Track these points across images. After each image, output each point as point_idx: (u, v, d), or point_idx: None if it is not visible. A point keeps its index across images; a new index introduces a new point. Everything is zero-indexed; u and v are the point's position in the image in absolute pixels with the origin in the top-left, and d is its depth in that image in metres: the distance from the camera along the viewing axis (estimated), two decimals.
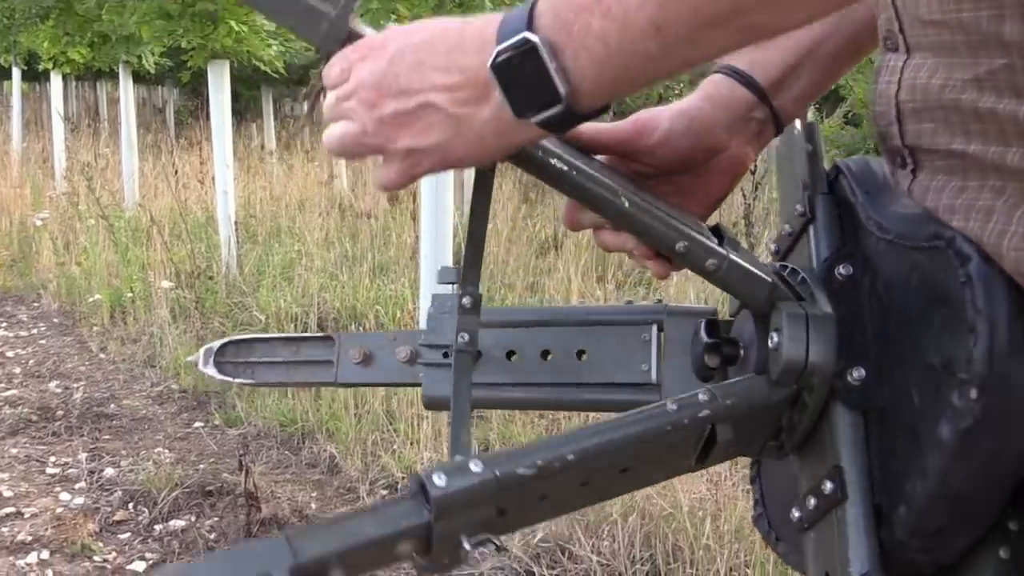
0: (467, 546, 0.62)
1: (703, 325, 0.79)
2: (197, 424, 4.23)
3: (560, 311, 0.87)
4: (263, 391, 4.31)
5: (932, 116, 0.66)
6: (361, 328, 4.83)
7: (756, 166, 4.89)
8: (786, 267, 0.77)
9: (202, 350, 0.87)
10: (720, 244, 0.74)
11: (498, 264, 6.03)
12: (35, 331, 5.74)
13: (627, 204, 0.71)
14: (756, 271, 0.73)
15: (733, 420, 0.70)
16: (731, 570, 2.75)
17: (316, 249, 6.32)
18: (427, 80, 0.66)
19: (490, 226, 6.21)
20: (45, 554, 3.12)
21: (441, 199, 4.60)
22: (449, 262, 4.67)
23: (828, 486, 0.70)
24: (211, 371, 0.87)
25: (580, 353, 0.83)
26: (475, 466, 0.62)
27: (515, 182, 8.49)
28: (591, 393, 0.83)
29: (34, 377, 4.89)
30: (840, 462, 0.69)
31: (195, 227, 6.96)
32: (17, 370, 4.99)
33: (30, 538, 3.21)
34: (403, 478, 3.55)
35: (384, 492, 3.52)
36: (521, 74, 0.63)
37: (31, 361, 5.14)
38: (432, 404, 0.84)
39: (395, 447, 3.72)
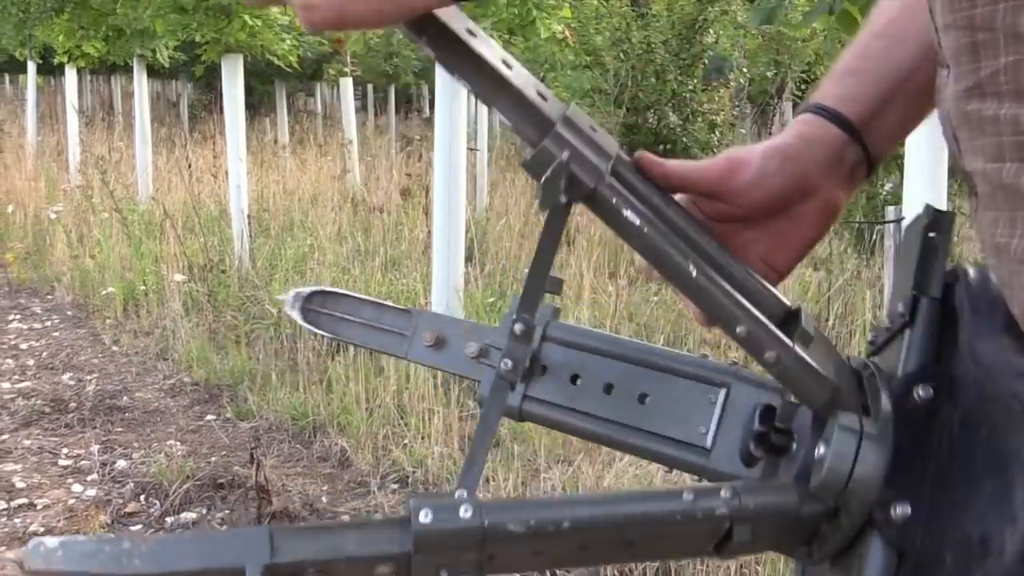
0: None
1: (759, 409, 0.74)
2: (209, 417, 4.24)
3: (633, 345, 0.83)
4: (274, 384, 4.32)
5: (962, 133, 0.62)
6: None
7: None
8: (869, 367, 0.72)
9: (291, 292, 0.86)
10: (792, 330, 0.69)
11: (510, 259, 6.03)
12: (49, 323, 5.77)
13: (695, 273, 0.67)
14: (820, 371, 0.68)
15: (754, 523, 0.66)
16: (742, 566, 2.75)
17: (328, 243, 6.33)
18: None
19: (502, 221, 6.21)
20: None
21: (454, 194, 4.60)
22: (461, 258, 4.67)
23: None
24: (296, 315, 0.86)
25: (643, 396, 0.80)
26: (465, 511, 0.60)
27: (527, 178, 8.48)
28: (643, 440, 0.80)
29: (47, 369, 4.91)
30: None
31: (208, 221, 6.98)
32: (31, 362, 5.02)
33: (42, 529, 3.23)
34: (414, 472, 3.55)
35: (395, 486, 3.52)
36: None
37: (44, 353, 5.16)
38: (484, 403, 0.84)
39: (406, 441, 3.72)
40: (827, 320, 4.68)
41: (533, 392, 0.81)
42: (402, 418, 3.87)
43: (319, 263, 5.88)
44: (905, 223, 0.79)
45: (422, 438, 3.73)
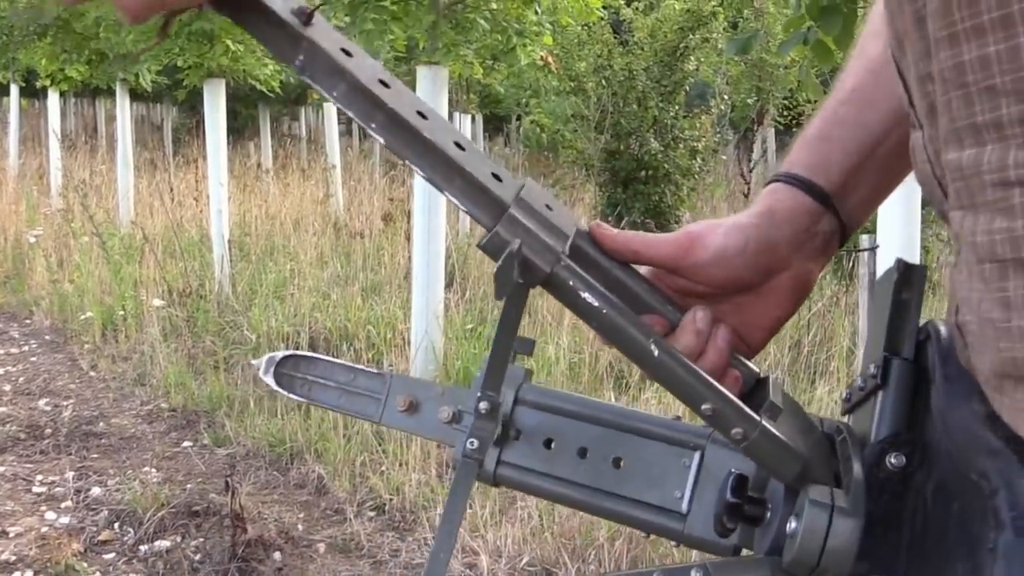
0: None
1: (732, 479, 0.73)
2: (186, 444, 4.21)
3: (606, 408, 0.83)
4: (252, 410, 4.30)
5: (948, 187, 0.60)
6: (352, 349, 4.83)
7: (750, 189, 4.90)
8: (842, 432, 0.72)
9: (265, 358, 0.86)
10: (759, 403, 0.69)
11: (491, 285, 6.01)
12: (26, 348, 5.73)
13: (656, 352, 0.67)
14: (788, 445, 0.68)
15: None
16: None
17: (309, 268, 6.32)
18: None
19: None
20: (29, 574, 3.10)
21: (434, 220, 4.60)
22: (441, 284, 4.67)
23: None
24: (270, 380, 0.86)
25: (617, 460, 0.80)
26: None
27: None
28: (618, 505, 0.79)
29: (24, 395, 4.87)
30: None
31: (189, 245, 6.96)
32: (7, 387, 4.98)
33: (14, 558, 3.19)
34: (391, 499, 3.53)
35: (372, 514, 3.50)
36: None
37: (21, 379, 5.12)
38: None
39: (384, 468, 3.70)
40: (805, 346, 4.70)
41: (507, 457, 0.80)
42: (380, 445, 3.86)
43: (299, 288, 5.86)
44: (879, 275, 0.78)
45: (400, 465, 3.71)
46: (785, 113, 12.04)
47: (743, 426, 0.67)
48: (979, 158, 0.52)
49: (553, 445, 0.80)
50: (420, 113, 0.64)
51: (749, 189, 9.87)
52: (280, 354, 0.87)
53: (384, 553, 3.23)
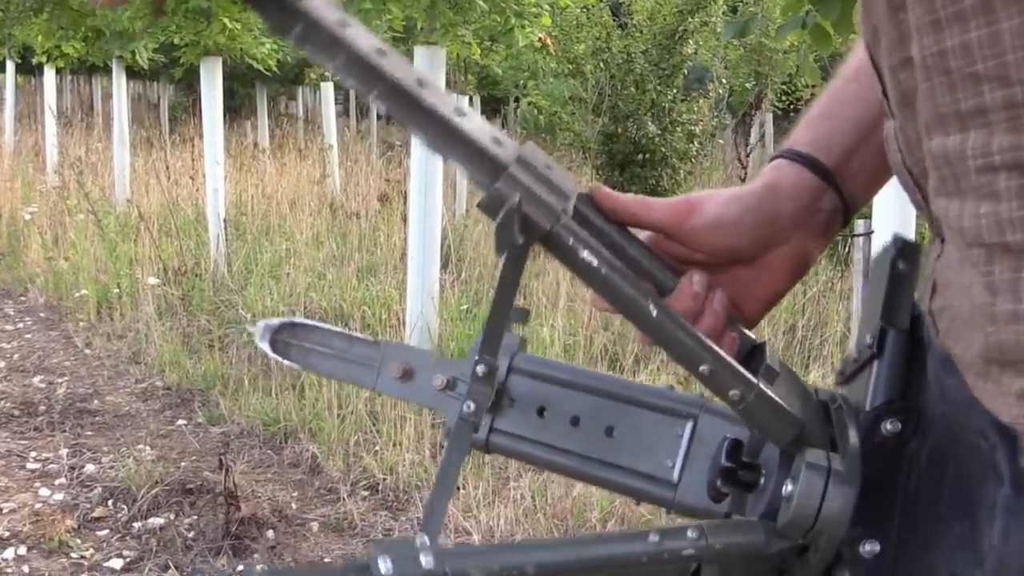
0: None
1: (726, 444, 0.73)
2: (180, 422, 4.22)
3: (599, 377, 0.83)
4: (246, 389, 4.30)
5: (925, 174, 0.60)
6: (347, 329, 4.82)
7: (747, 173, 4.90)
8: (836, 400, 0.71)
9: (262, 323, 0.86)
10: (756, 367, 0.69)
11: (487, 266, 6.02)
12: (21, 325, 5.73)
13: (655, 313, 0.66)
14: (785, 408, 0.67)
15: (722, 563, 0.67)
16: None
17: (305, 248, 6.31)
18: None
19: (479, 228, 6.20)
20: (22, 550, 3.11)
21: (430, 200, 4.60)
22: (437, 264, 4.66)
23: None
24: (266, 347, 0.86)
25: (610, 429, 0.80)
26: (425, 559, 0.60)
27: None
28: (609, 473, 0.80)
29: (18, 372, 4.87)
30: None
31: (185, 224, 6.95)
32: (1, 364, 4.98)
33: (7, 533, 3.20)
34: (384, 479, 3.54)
35: (365, 493, 3.51)
36: None
37: (16, 356, 5.12)
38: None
39: (377, 448, 3.71)
40: (800, 331, 4.70)
41: (500, 424, 0.81)
42: (374, 425, 3.86)
43: (295, 268, 5.86)
44: (875, 254, 0.77)
45: (393, 445, 3.72)
46: (783, 98, 12.01)
47: (740, 388, 0.67)
48: (963, 144, 0.53)
49: (546, 413, 0.81)
50: (419, 81, 0.64)
51: (746, 173, 9.85)
52: (277, 321, 0.87)
53: (377, 532, 3.24)
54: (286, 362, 0.87)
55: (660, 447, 0.78)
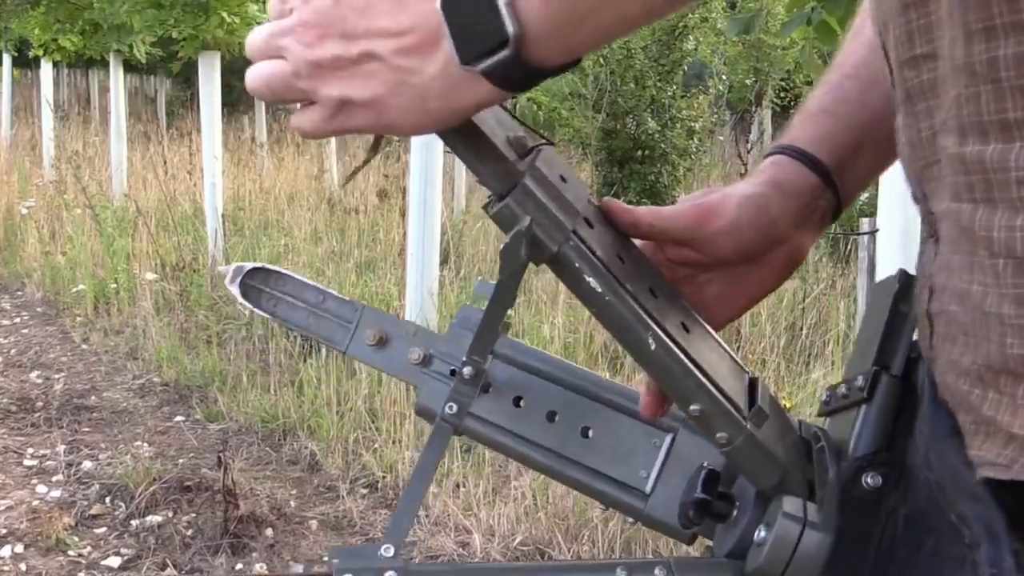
0: None
1: (703, 474, 0.71)
2: (178, 418, 4.20)
3: (581, 374, 0.80)
4: (245, 385, 4.28)
5: (931, 174, 0.58)
6: None
7: (747, 169, 4.88)
8: (820, 439, 0.70)
9: (232, 266, 0.84)
10: (749, 406, 0.68)
11: (486, 263, 6.00)
12: (18, 320, 5.70)
13: (653, 347, 0.65)
14: (771, 454, 0.67)
15: None
16: None
17: (303, 244, 6.29)
18: (373, 25, 0.59)
19: (479, 224, 6.18)
20: (19, 547, 3.08)
21: (430, 196, 4.57)
22: (436, 260, 4.64)
23: None
24: (235, 290, 0.84)
25: (586, 430, 0.78)
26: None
27: None
28: (581, 475, 0.78)
29: (15, 367, 4.85)
30: None
31: (182, 219, 6.92)
32: None
33: (4, 531, 3.18)
34: (384, 477, 3.52)
35: (364, 491, 3.49)
36: (470, 11, 0.56)
37: (13, 351, 5.10)
38: (422, 413, 0.79)
39: (376, 446, 3.69)
40: (801, 329, 4.69)
41: (475, 409, 0.78)
42: (373, 422, 3.84)
43: (293, 264, 5.84)
44: (876, 283, 0.75)
45: (393, 443, 3.70)
46: (783, 95, 12.00)
47: (729, 431, 0.65)
48: (1007, 154, 0.51)
49: (522, 404, 0.79)
50: None
51: (746, 170, 9.82)
52: (248, 264, 0.85)
53: (376, 530, 3.22)
54: (255, 310, 0.84)
55: (636, 456, 0.77)
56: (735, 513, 0.70)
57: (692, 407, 0.65)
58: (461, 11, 0.57)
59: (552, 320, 4.66)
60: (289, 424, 3.97)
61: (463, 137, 0.62)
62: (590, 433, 0.78)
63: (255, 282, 0.84)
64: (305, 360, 4.36)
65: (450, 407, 0.70)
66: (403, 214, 5.82)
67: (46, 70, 10.22)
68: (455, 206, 8.17)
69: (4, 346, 5.18)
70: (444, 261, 5.49)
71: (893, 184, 3.01)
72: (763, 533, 0.65)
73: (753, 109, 11.91)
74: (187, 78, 15.50)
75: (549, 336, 4.50)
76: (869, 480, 0.65)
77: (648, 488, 0.77)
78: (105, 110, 12.97)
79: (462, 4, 0.57)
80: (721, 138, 12.32)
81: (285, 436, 3.93)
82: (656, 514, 0.76)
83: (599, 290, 0.64)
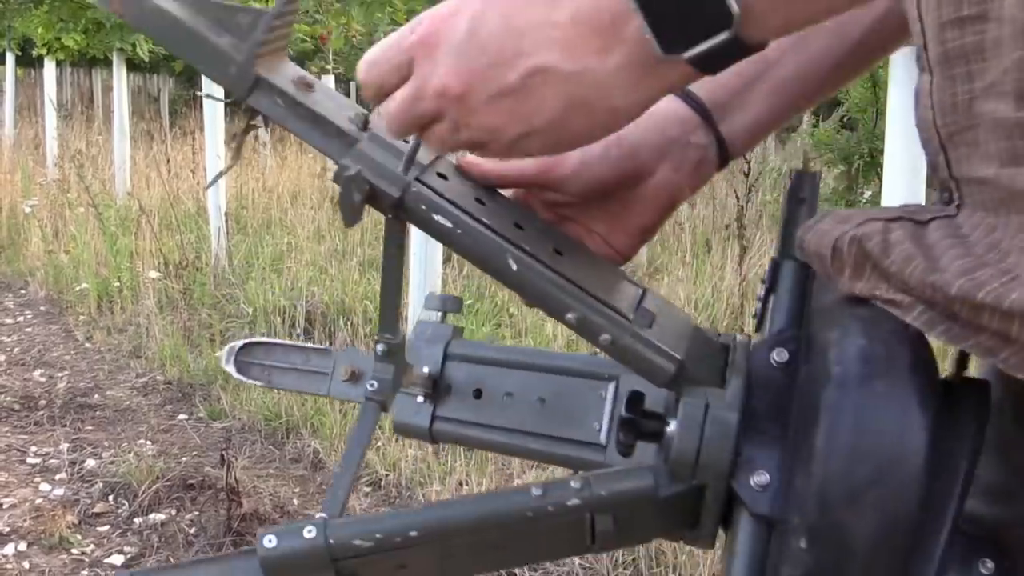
0: None
1: (627, 395, 0.72)
2: (181, 416, 4.20)
3: (530, 352, 0.84)
4: (248, 383, 4.27)
5: (964, 139, 0.56)
6: (348, 323, 4.81)
7: (750, 168, 4.87)
8: (737, 340, 0.71)
9: (226, 348, 0.91)
10: (635, 310, 0.68)
11: None
12: (21, 319, 5.70)
13: (515, 267, 0.66)
14: (660, 347, 0.67)
15: (613, 511, 0.65)
16: (714, 575, 2.74)
17: (306, 242, 6.29)
18: (528, 38, 0.52)
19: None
20: (22, 546, 3.09)
21: None
22: (439, 259, 4.64)
23: None
24: (231, 369, 0.91)
25: (541, 400, 0.81)
26: (309, 532, 0.62)
27: None
28: (543, 444, 0.80)
29: (18, 365, 4.85)
30: None
31: (185, 218, 6.92)
32: (1, 358, 4.96)
33: (7, 529, 3.18)
34: (387, 475, 3.52)
35: (368, 489, 3.49)
36: None
37: (16, 349, 5.10)
38: (401, 430, 0.84)
39: (379, 444, 3.69)
40: None
41: (441, 412, 0.82)
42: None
43: (296, 262, 5.84)
44: (794, 144, 0.74)
45: (396, 441, 3.70)
46: None
47: (610, 332, 0.66)
48: None
49: (482, 395, 0.82)
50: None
51: (749, 169, 9.82)
52: (239, 343, 0.92)
53: None
54: (252, 382, 0.92)
55: (588, 412, 0.79)
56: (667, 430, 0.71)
57: (568, 315, 0.66)
58: None
59: (546, 327, 4.66)
60: (292, 422, 3.97)
61: (300, 121, 0.67)
62: (544, 403, 0.81)
63: (247, 357, 0.91)
64: None
65: (371, 384, 0.73)
66: None
67: (49, 69, 10.22)
68: None
69: (7, 344, 5.19)
70: (447, 259, 5.49)
71: (897, 181, 3.00)
72: (672, 426, 0.66)
73: None
74: (190, 77, 15.51)
75: (552, 334, 4.50)
76: (776, 356, 0.65)
77: (602, 439, 0.78)
78: (108, 109, 12.97)
79: None
80: None
81: (288, 434, 3.94)
82: (615, 461, 0.76)
83: (449, 225, 0.66)
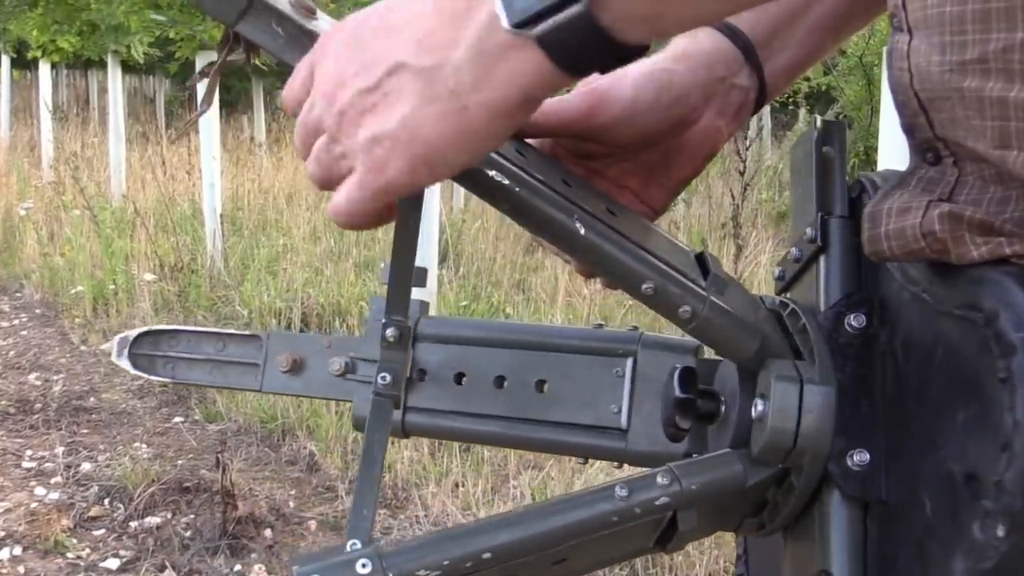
0: None
1: (677, 373, 0.64)
2: (177, 419, 4.19)
3: (520, 328, 0.74)
4: None
5: (943, 107, 0.53)
6: (344, 324, 4.80)
7: (745, 167, 4.87)
8: (787, 305, 0.64)
9: (116, 339, 0.76)
10: (703, 279, 0.61)
11: (485, 261, 5.99)
12: (16, 322, 5.69)
13: (582, 231, 0.58)
14: (743, 319, 0.60)
15: (698, 506, 0.59)
16: (710, 575, 2.73)
17: (302, 243, 6.28)
18: (393, 37, 0.49)
19: (477, 223, 6.17)
20: (17, 550, 3.08)
21: (428, 195, 4.56)
22: (435, 260, 4.63)
23: None
24: (124, 363, 0.76)
25: (541, 383, 0.71)
26: (363, 567, 0.52)
27: None
28: (548, 433, 0.71)
29: (14, 369, 4.84)
30: (830, 567, 0.57)
31: (181, 219, 6.91)
32: None
33: (3, 533, 3.17)
34: (383, 477, 3.51)
35: None
36: None
37: (11, 352, 5.09)
38: (359, 426, 0.70)
39: None
40: None
41: (414, 401, 0.72)
42: None
43: (292, 263, 5.83)
44: (790, 142, 0.70)
45: (392, 443, 3.68)
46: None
47: (690, 303, 0.59)
48: None
49: (465, 380, 0.72)
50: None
51: (745, 167, 9.82)
52: (133, 332, 0.78)
53: (376, 531, 3.21)
54: (152, 378, 0.77)
55: (601, 393, 0.70)
56: (722, 410, 0.64)
57: (644, 286, 0.59)
58: None
59: (551, 318, 4.66)
60: (288, 424, 3.96)
61: (304, 54, 0.58)
62: (546, 386, 0.71)
63: (144, 349, 0.77)
64: None
65: (383, 377, 0.62)
66: None
67: (44, 71, 10.20)
68: (453, 205, 8.16)
69: (3, 348, 5.18)
70: (443, 260, 5.49)
71: (892, 136, 2.99)
72: (760, 406, 0.59)
73: None
74: (185, 78, 15.49)
75: None
76: (852, 322, 0.60)
77: (623, 423, 0.69)
78: (104, 111, 12.96)
79: None
80: None
81: (284, 436, 3.93)
82: (640, 447, 0.69)
83: (506, 183, 0.57)
